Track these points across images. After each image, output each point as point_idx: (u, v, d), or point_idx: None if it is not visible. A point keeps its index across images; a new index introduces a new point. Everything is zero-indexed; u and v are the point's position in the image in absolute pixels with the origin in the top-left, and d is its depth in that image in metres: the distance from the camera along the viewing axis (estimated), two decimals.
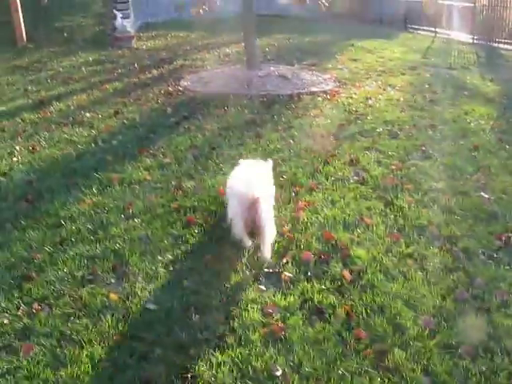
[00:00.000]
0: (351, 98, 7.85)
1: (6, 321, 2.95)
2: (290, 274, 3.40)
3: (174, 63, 10.38)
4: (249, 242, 3.60)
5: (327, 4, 9.32)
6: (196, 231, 3.90)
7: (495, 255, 3.71)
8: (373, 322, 2.98)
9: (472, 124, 6.77)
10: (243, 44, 9.47)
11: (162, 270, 3.44)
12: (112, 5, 12.21)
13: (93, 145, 5.75)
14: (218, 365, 2.65)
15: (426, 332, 2.91)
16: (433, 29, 16.92)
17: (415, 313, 3.07)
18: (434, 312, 3.09)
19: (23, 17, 11.28)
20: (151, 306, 3.08)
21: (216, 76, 9.14)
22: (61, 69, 9.71)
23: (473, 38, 15.39)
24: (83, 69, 9.74)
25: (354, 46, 12.99)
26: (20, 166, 5.16)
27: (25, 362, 2.65)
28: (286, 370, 2.64)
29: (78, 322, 2.95)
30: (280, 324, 2.94)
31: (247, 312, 3.03)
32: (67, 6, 14.56)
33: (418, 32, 17.48)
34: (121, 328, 2.90)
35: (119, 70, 9.67)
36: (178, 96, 7.90)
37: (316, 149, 5.60)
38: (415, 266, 3.55)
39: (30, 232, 3.87)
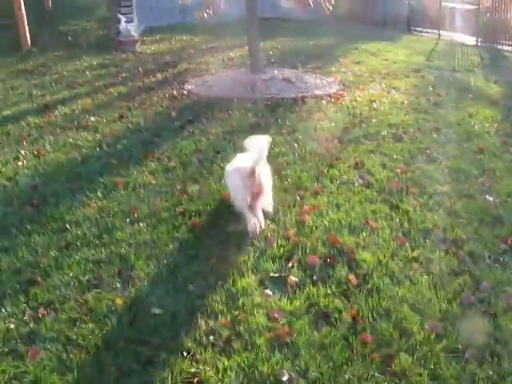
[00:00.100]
0: (355, 100, 7.84)
1: (12, 325, 2.96)
2: (296, 279, 3.39)
3: (178, 67, 10.39)
4: (250, 216, 3.75)
5: (331, 8, 9.31)
6: (201, 235, 3.91)
7: (501, 259, 3.70)
8: (379, 326, 2.98)
9: (476, 127, 6.76)
10: (247, 47, 9.46)
11: (167, 275, 3.44)
12: (116, 9, 12.24)
13: (98, 149, 5.76)
14: (225, 370, 2.65)
15: (433, 336, 2.90)
16: (436, 31, 16.93)
17: (421, 317, 3.06)
18: (441, 316, 3.09)
19: (27, 21, 11.32)
20: (156, 311, 3.07)
21: (220, 79, 9.15)
22: (65, 73, 9.73)
23: (476, 40, 15.38)
24: (87, 73, 9.76)
25: (358, 48, 12.98)
26: (25, 170, 5.17)
27: (31, 367, 2.66)
28: (293, 375, 2.64)
29: (83, 326, 2.96)
30: (286, 328, 2.94)
31: (253, 316, 3.03)
32: (71, 10, 14.60)
33: (422, 34, 17.51)
34: (126, 333, 2.90)
35: (123, 74, 9.68)
36: (182, 100, 7.91)
37: (320, 152, 5.60)
38: (421, 269, 3.54)
39: (35, 236, 3.88)
